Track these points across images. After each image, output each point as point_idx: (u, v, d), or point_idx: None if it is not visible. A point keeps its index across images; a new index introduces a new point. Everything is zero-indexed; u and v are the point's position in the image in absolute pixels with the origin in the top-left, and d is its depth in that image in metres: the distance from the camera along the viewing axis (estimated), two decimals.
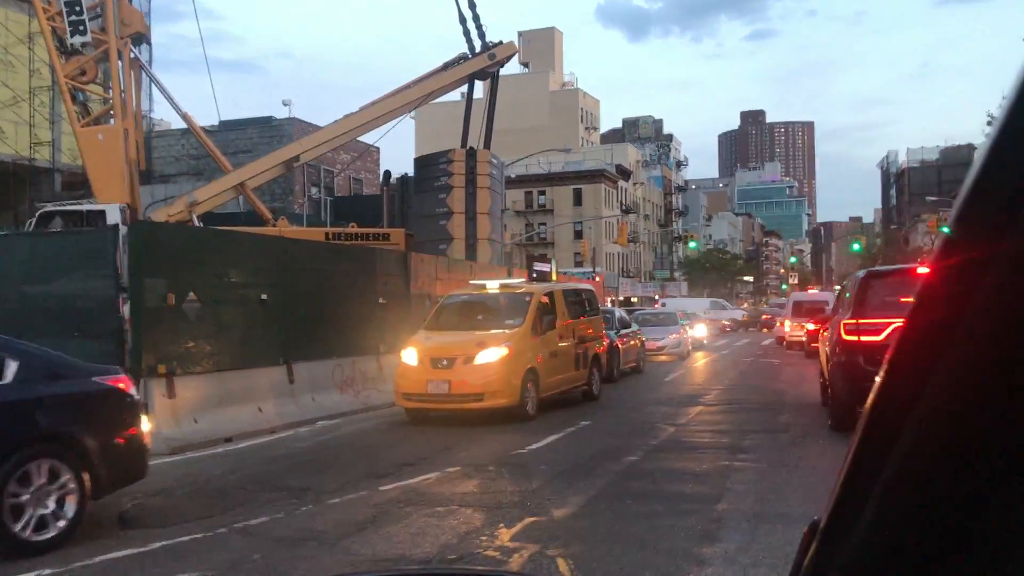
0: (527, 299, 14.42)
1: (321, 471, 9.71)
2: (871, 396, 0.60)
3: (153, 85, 29.00)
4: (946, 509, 0.54)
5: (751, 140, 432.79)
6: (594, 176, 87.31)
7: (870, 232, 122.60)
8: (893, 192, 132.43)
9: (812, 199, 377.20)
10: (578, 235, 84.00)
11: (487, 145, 26.72)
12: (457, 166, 23.74)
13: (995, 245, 0.48)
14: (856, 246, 66.86)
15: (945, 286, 0.52)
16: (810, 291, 50.86)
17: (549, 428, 12.66)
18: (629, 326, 20.85)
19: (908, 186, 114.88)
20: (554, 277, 17.05)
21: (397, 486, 8.59)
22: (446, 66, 26.97)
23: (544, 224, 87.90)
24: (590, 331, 16.54)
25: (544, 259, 20.27)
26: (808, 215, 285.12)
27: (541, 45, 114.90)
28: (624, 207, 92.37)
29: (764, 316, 57.50)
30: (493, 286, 14.90)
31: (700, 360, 27.10)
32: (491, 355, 13.18)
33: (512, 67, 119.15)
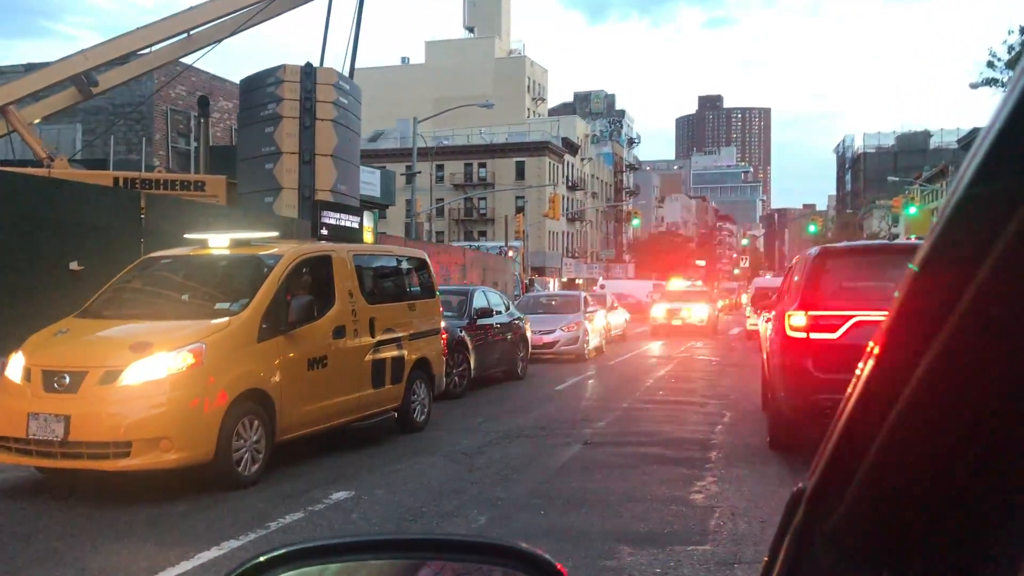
0: (266, 268, 8.18)
1: None
2: (863, 373, 0.59)
3: None
4: (929, 490, 0.56)
5: (708, 125, 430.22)
6: (538, 149, 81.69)
7: (826, 217, 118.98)
8: (848, 177, 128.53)
9: (767, 185, 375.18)
10: (521, 211, 78.51)
11: (351, 73, 20.31)
12: (288, 88, 17.21)
13: (988, 241, 0.49)
14: (812, 228, 61.79)
15: (937, 278, 0.54)
16: (767, 276, 45.29)
17: (249, 518, 6.50)
18: (491, 314, 14.51)
19: (864, 171, 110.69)
20: (369, 238, 10.82)
21: None
22: None
23: (484, 199, 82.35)
24: (413, 322, 10.37)
25: (352, 210, 13.28)
26: (762, 201, 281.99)
27: (487, 8, 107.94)
28: (570, 183, 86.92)
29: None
30: (220, 242, 8.60)
31: (616, 358, 20.98)
32: (153, 368, 6.93)
33: (455, 31, 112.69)
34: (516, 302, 18.43)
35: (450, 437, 9.98)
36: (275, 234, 8.68)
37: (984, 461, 0.53)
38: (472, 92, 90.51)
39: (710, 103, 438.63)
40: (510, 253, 37.24)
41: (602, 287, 46.00)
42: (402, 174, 40.37)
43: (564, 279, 75.91)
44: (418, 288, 10.88)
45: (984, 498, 0.55)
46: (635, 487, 7.54)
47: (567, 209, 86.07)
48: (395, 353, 9.81)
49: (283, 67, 17.47)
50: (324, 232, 10.07)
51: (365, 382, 9.28)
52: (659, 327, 29.07)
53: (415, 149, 38.20)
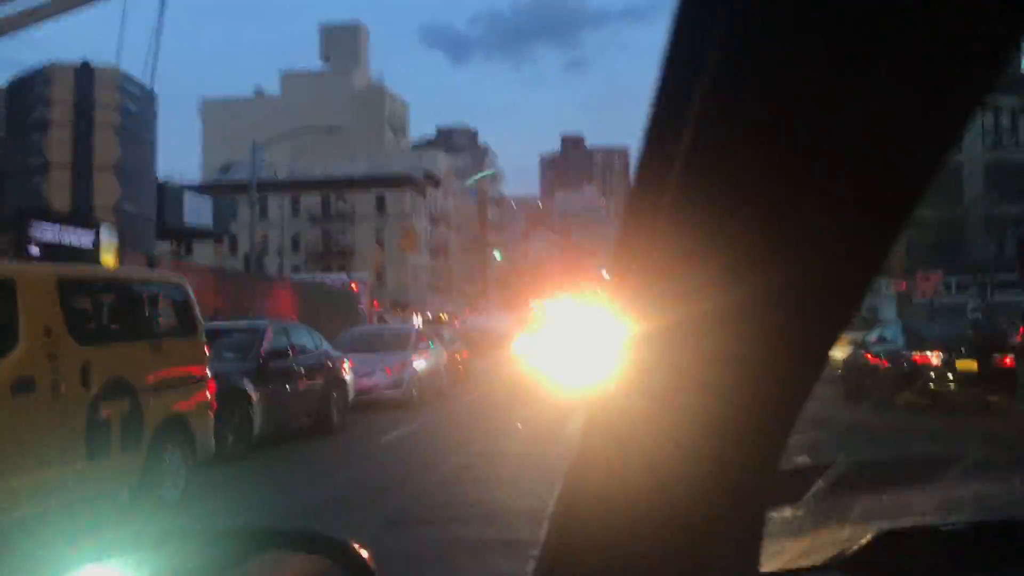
0: None
1: None
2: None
3: None
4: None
5: (571, 163, 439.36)
6: (400, 182, 79.64)
7: None
8: None
9: None
10: (380, 244, 76.47)
11: (153, 74, 17.56)
12: (60, 89, 14.36)
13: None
14: None
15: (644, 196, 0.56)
16: None
17: None
18: (288, 356, 12.00)
19: None
20: (110, 261, 8.19)
21: None
22: None
23: (344, 234, 79.80)
24: (160, 369, 7.88)
25: (83, 221, 10.10)
26: None
27: (344, 40, 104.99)
28: (433, 217, 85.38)
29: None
30: None
31: (459, 399, 18.62)
32: None
33: (312, 62, 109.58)
34: (335, 339, 15.97)
35: (202, 523, 7.51)
36: None
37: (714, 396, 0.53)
38: (330, 124, 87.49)
39: (572, 143, 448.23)
40: (352, 285, 34.71)
41: (463, 323, 44.42)
42: (236, 201, 37.31)
43: (428, 315, 73.77)
44: (172, 325, 8.40)
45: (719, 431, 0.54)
46: None
47: (431, 243, 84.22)
48: (127, 410, 7.30)
49: (51, 65, 14.56)
50: (35, 251, 7.53)
51: (74, 453, 6.73)
52: None
53: (254, 176, 35.15)
